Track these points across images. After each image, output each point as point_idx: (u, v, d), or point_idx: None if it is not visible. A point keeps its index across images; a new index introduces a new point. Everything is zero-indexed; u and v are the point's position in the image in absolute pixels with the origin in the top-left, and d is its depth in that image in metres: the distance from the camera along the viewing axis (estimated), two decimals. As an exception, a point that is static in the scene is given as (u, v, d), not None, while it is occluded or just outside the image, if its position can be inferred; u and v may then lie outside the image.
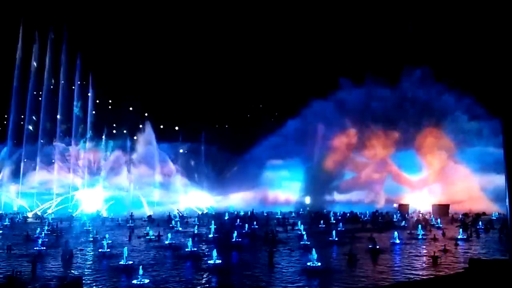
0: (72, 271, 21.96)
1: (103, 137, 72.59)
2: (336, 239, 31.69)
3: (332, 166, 69.59)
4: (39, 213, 59.35)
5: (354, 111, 72.85)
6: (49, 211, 60.87)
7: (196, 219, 49.59)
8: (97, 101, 77.28)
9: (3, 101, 70.98)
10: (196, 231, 36.94)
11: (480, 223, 40.97)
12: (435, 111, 71.48)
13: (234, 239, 31.29)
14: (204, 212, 62.06)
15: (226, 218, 51.98)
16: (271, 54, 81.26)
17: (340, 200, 65.32)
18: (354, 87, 74.42)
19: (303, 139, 72.30)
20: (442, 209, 56.97)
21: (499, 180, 50.21)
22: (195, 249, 27.12)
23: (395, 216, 51.33)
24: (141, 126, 76.79)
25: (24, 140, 69.40)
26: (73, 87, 71.21)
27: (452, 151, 67.72)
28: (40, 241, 29.15)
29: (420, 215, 53.14)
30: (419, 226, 36.08)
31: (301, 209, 62.48)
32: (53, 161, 69.50)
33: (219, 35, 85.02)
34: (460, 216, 49.68)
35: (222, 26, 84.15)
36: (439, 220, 44.06)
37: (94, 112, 72.26)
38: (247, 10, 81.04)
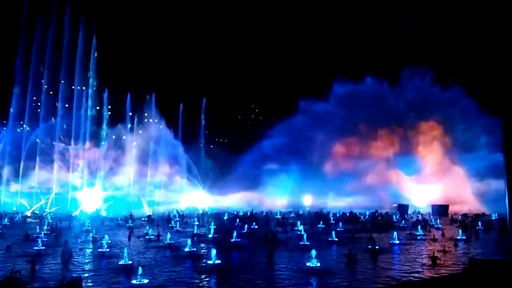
0: (72, 271, 21.94)
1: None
2: (336, 239, 31.70)
3: (333, 170, 69.49)
4: (37, 212, 59.43)
5: (353, 112, 72.70)
6: (46, 209, 61.15)
7: (195, 219, 49.56)
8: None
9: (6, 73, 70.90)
10: (195, 231, 36.91)
11: (479, 223, 40.97)
12: (435, 111, 71.48)
13: (233, 239, 31.29)
14: (206, 211, 62.10)
15: (225, 218, 51.97)
16: (271, 54, 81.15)
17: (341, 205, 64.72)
18: (354, 86, 74.20)
19: (302, 140, 72.30)
20: (442, 210, 56.97)
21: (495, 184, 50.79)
22: (195, 249, 27.13)
23: (394, 216, 51.34)
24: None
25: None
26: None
27: (450, 149, 67.81)
28: (39, 240, 29.12)
29: (420, 215, 53.14)
30: (419, 226, 36.09)
31: (301, 210, 62.47)
32: (53, 160, 69.38)
33: (221, 34, 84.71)
34: (460, 216, 49.69)
35: (224, 25, 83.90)
36: (438, 221, 44.08)
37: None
38: (252, 11, 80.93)
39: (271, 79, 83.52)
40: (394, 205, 61.99)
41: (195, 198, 67.62)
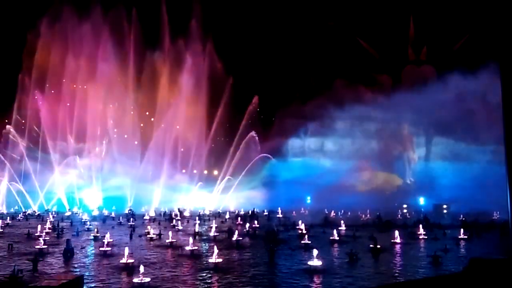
0: (73, 269, 22.00)
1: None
2: (337, 238, 31.73)
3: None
4: (36, 211, 59.60)
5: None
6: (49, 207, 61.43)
7: (197, 217, 49.61)
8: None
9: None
10: (197, 230, 36.96)
11: (481, 222, 40.94)
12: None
13: (235, 238, 31.32)
14: (207, 210, 62.12)
15: (227, 217, 52.00)
16: (271, 54, 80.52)
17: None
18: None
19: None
20: (443, 209, 56.94)
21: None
22: (196, 247, 27.17)
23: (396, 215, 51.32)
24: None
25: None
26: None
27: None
28: (41, 239, 29.18)
29: (421, 214, 53.05)
30: (420, 225, 36.06)
31: (302, 208, 62.33)
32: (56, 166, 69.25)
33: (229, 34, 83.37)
34: (461, 215, 49.58)
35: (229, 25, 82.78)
36: (440, 220, 44.03)
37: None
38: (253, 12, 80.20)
39: (272, 79, 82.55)
40: (396, 204, 61.82)
41: (196, 197, 67.63)
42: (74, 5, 69.10)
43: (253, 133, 68.82)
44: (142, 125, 74.98)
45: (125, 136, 73.22)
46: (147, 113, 74.89)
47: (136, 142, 72.57)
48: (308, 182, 64.68)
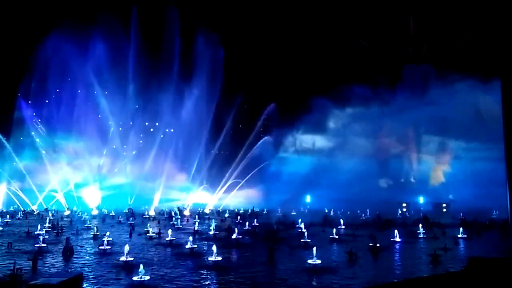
0: (73, 268, 22.01)
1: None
2: (337, 237, 31.75)
3: None
4: (36, 210, 59.63)
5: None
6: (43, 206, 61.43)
7: (196, 216, 49.63)
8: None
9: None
10: (196, 228, 36.97)
11: (480, 221, 40.93)
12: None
13: (234, 237, 31.34)
14: (207, 209, 62.17)
15: (226, 215, 52.06)
16: (273, 54, 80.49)
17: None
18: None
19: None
20: (443, 208, 56.98)
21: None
22: (196, 246, 27.19)
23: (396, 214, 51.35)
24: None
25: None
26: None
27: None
28: (40, 238, 29.17)
29: (421, 213, 53.10)
30: (420, 224, 36.10)
31: (302, 207, 62.36)
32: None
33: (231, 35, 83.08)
34: (461, 214, 49.65)
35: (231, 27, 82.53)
36: (439, 218, 44.06)
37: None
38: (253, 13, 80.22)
39: (275, 79, 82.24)
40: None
41: (197, 195, 67.71)
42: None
43: (269, 138, 69.06)
44: (142, 136, 74.96)
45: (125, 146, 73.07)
46: (146, 123, 74.96)
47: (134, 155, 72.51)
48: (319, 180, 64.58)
